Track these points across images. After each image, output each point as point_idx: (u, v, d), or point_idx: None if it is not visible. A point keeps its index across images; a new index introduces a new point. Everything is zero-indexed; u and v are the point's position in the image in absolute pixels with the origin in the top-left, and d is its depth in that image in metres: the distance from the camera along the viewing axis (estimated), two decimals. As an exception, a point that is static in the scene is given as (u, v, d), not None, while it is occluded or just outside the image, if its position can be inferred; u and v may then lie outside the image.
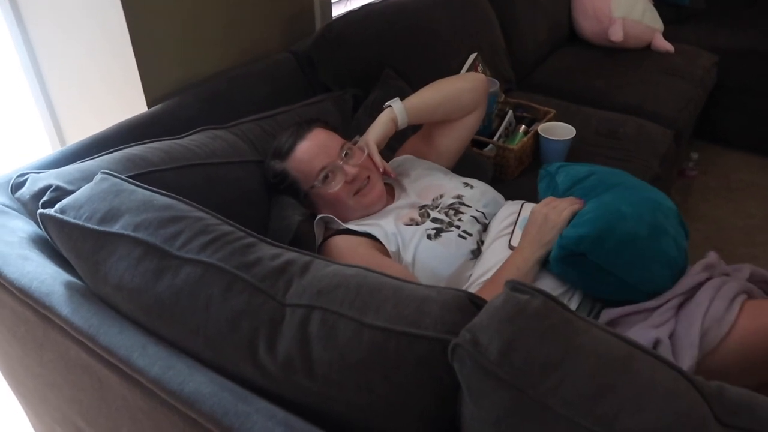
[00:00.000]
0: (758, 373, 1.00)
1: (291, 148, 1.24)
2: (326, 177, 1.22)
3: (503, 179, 1.67)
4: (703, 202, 2.46)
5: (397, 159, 1.44)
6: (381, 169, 1.26)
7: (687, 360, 0.97)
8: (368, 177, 1.24)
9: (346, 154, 1.24)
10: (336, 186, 1.22)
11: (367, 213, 1.26)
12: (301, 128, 1.27)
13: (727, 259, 1.15)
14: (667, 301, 1.06)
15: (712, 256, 1.14)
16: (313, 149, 1.23)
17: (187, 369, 0.71)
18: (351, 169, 1.22)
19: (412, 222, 1.20)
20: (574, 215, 1.12)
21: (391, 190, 1.33)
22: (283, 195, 1.26)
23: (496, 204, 1.31)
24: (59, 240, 0.84)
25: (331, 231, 1.23)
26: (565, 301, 1.11)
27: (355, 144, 1.28)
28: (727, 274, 1.11)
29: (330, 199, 1.24)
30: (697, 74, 2.36)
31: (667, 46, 2.50)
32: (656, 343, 0.99)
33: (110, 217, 0.81)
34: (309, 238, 1.20)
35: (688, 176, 2.54)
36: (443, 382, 0.65)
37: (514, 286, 0.66)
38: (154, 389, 0.71)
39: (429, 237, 1.15)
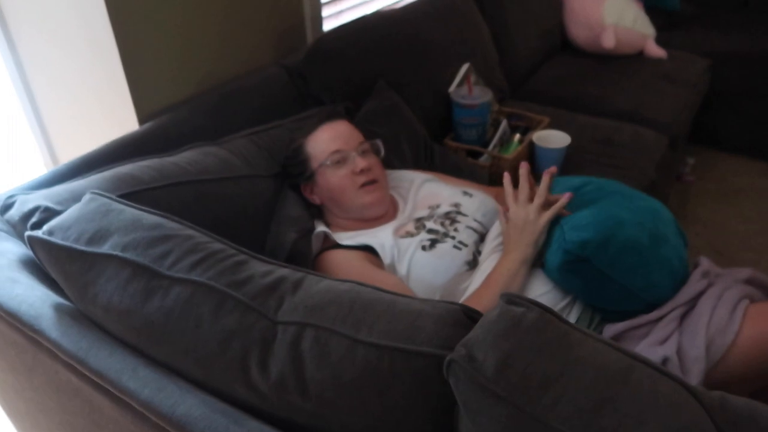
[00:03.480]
0: (761, 379, 0.98)
1: (315, 127, 1.30)
2: (337, 161, 1.25)
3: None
4: (701, 206, 2.45)
5: (399, 171, 1.44)
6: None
7: (695, 375, 0.96)
8: (376, 180, 1.26)
9: (363, 151, 1.28)
10: (342, 171, 1.24)
11: (364, 215, 1.26)
12: (331, 115, 1.35)
13: (726, 263, 1.14)
14: (669, 312, 1.04)
15: (704, 263, 1.13)
16: (334, 132, 1.28)
17: (179, 391, 0.70)
18: (362, 162, 1.25)
19: (408, 234, 1.19)
20: (548, 207, 1.13)
21: (394, 205, 1.33)
22: (289, 189, 1.31)
23: (496, 214, 1.30)
24: (47, 262, 0.82)
25: (328, 244, 1.23)
26: (565, 315, 1.10)
27: (373, 145, 1.32)
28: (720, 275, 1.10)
29: (333, 187, 1.25)
30: (690, 79, 2.36)
31: (659, 52, 2.50)
32: (664, 361, 0.98)
33: (98, 237, 0.80)
34: (303, 257, 1.19)
35: (686, 181, 2.54)
36: (439, 399, 0.64)
37: (510, 298, 0.65)
38: (145, 412, 0.69)
39: (423, 248, 1.14)
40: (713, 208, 2.44)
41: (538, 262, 1.16)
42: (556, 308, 1.09)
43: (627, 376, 0.59)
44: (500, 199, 1.38)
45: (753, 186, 2.56)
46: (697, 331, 0.98)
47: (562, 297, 1.10)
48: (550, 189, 1.18)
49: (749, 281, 1.10)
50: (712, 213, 2.41)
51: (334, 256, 1.17)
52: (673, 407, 0.57)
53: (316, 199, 1.30)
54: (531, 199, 1.16)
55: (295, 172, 1.30)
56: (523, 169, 1.18)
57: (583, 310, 1.10)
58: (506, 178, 1.20)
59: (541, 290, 1.11)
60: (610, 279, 1.05)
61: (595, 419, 0.56)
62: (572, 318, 1.09)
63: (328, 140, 1.27)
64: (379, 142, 1.33)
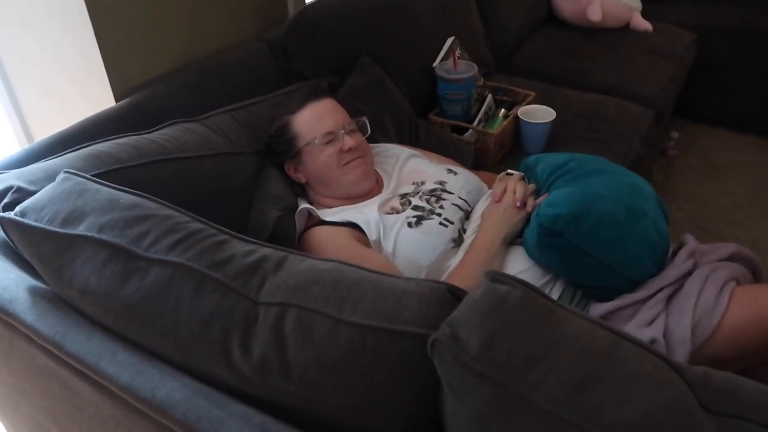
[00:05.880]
0: (747, 360, 0.99)
1: (302, 105, 1.28)
2: (326, 141, 1.24)
3: (484, 165, 1.65)
4: (685, 181, 2.46)
5: (383, 144, 1.42)
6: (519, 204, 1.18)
7: (680, 356, 0.96)
8: (361, 157, 1.26)
9: (351, 129, 1.27)
10: (330, 150, 1.23)
11: (350, 192, 1.25)
12: (316, 93, 1.33)
13: (708, 238, 1.14)
14: (655, 293, 1.04)
15: (690, 242, 1.12)
16: (322, 111, 1.27)
17: (159, 374, 0.68)
18: (349, 140, 1.24)
19: (393, 211, 1.18)
20: (533, 194, 1.17)
21: (379, 180, 1.32)
22: (272, 166, 1.28)
23: (480, 192, 1.29)
24: (21, 244, 0.80)
25: (313, 221, 1.21)
26: (546, 292, 1.09)
27: (359, 123, 1.31)
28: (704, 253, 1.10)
29: (319, 165, 1.24)
30: (676, 53, 2.35)
31: (645, 25, 2.48)
32: (652, 343, 0.98)
33: (73, 218, 0.77)
34: (287, 234, 1.17)
35: (670, 156, 2.54)
36: (424, 378, 0.63)
37: (494, 276, 0.64)
38: (125, 397, 0.68)
39: (410, 225, 1.14)
40: (697, 182, 2.45)
41: (518, 240, 1.16)
42: (538, 285, 1.09)
43: (612, 353, 0.59)
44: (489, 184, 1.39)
45: (736, 160, 2.58)
46: (683, 312, 0.98)
47: (543, 274, 1.10)
48: (534, 165, 1.17)
49: (733, 256, 1.10)
50: (695, 187, 2.43)
51: (320, 233, 1.16)
52: (657, 384, 0.57)
53: (300, 178, 1.29)
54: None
55: (279, 150, 1.28)
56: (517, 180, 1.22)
57: (565, 288, 1.10)
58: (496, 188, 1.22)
59: (522, 267, 1.11)
60: (586, 254, 1.04)
61: (580, 397, 0.55)
62: (554, 295, 1.09)
63: (318, 119, 1.25)
64: (366, 120, 1.31)
